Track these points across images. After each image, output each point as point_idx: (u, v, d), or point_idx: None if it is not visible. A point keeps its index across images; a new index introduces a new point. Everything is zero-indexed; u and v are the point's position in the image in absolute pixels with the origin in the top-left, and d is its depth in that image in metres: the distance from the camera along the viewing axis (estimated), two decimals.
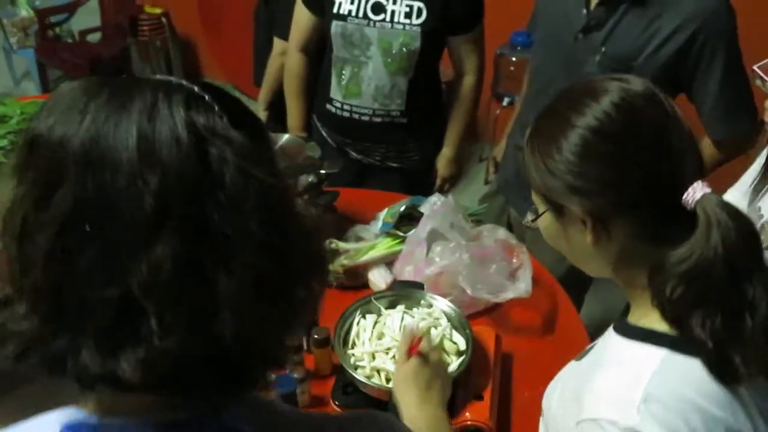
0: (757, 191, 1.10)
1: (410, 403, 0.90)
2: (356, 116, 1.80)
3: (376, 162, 1.91)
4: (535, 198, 0.81)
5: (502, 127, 3.46)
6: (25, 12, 4.26)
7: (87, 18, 4.20)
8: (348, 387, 1.15)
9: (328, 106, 1.85)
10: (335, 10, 1.69)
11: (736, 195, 1.17)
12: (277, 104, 2.37)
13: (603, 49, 1.41)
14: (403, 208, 1.51)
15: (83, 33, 3.98)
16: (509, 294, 1.31)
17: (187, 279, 0.43)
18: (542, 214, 0.80)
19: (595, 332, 1.01)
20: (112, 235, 0.42)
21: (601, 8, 1.40)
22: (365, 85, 1.75)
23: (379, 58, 1.70)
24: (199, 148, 0.44)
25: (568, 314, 1.43)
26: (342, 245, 1.47)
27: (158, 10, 4.06)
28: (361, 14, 1.67)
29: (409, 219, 1.50)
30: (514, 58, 3.06)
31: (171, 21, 4.13)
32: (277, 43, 2.23)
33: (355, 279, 1.46)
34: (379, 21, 1.67)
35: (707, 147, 1.44)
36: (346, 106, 1.80)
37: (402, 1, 1.66)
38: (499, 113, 3.25)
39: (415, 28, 1.67)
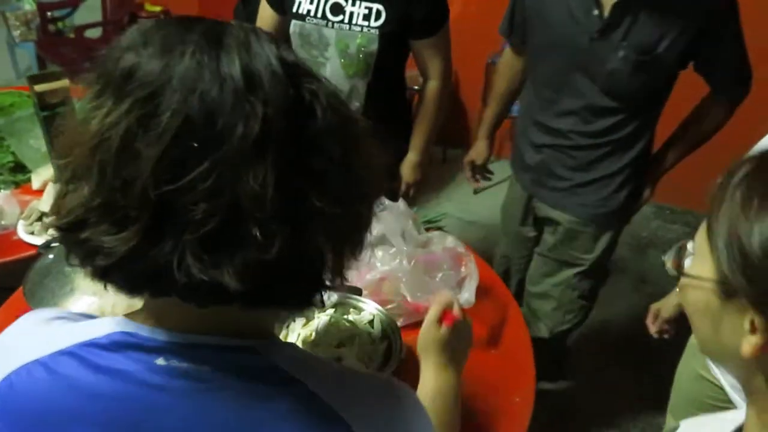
0: None
1: (436, 368, 0.91)
2: None
3: None
4: (701, 245, 0.57)
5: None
6: (28, 6, 4.30)
7: (89, 14, 4.23)
8: None
9: None
10: (294, 9, 1.68)
11: None
12: None
13: (624, 43, 1.43)
14: None
15: (82, 28, 4.00)
16: None
17: (287, 194, 0.48)
18: (701, 278, 0.55)
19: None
20: (221, 152, 0.46)
21: (617, 10, 1.41)
22: None
23: (337, 59, 1.68)
24: (293, 81, 0.50)
25: (516, 328, 1.38)
26: None
27: (158, 8, 4.08)
28: (319, 14, 1.65)
29: None
30: None
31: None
32: None
33: None
34: (338, 22, 1.64)
35: (714, 110, 1.58)
36: None
37: (361, 3, 1.63)
38: None
39: (373, 30, 1.63)
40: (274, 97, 0.48)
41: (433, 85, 1.81)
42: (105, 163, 0.47)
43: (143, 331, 0.54)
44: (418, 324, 1.30)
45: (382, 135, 2.00)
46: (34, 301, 1.17)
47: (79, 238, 0.49)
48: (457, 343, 0.94)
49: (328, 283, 0.54)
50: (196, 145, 0.46)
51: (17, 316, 0.61)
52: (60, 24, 4.22)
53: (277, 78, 0.49)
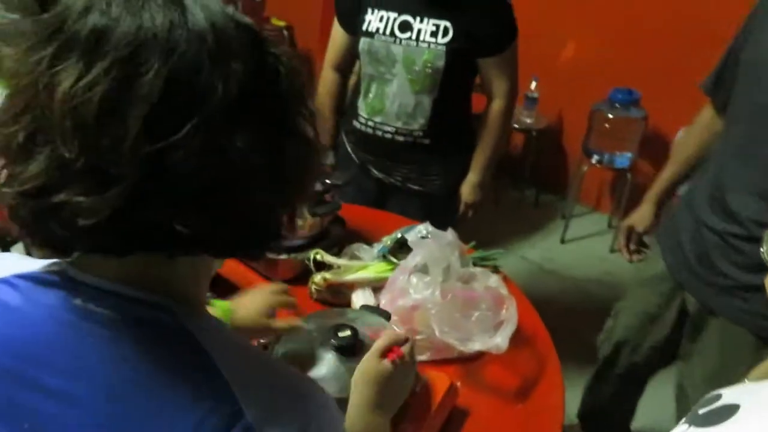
0: None
1: (365, 402, 0.85)
2: (379, 133, 1.80)
3: (397, 182, 1.88)
4: None
5: (590, 185, 3.28)
6: None
7: None
8: None
9: (355, 121, 1.86)
10: (364, 28, 1.72)
11: None
12: None
13: None
14: (400, 235, 1.43)
15: None
16: (477, 345, 1.19)
17: (265, 148, 0.51)
18: None
19: None
20: (205, 111, 0.48)
21: None
22: (389, 102, 1.75)
23: (404, 75, 1.70)
24: (256, 44, 0.52)
25: (551, 387, 1.28)
26: (329, 258, 1.42)
27: (282, 23, 4.29)
28: (388, 32, 1.69)
29: (407, 246, 1.42)
30: (610, 116, 2.88)
31: (293, 35, 4.35)
32: None
33: (338, 297, 1.41)
34: (405, 39, 1.67)
35: None
36: (370, 123, 1.81)
37: (429, 20, 1.65)
38: (587, 170, 3.07)
39: (440, 47, 1.65)
40: (244, 58, 0.50)
41: (497, 105, 1.80)
42: (84, 126, 0.47)
43: (73, 272, 0.56)
44: (444, 362, 1.26)
45: (448, 152, 1.99)
46: None
47: (51, 203, 0.49)
48: (397, 383, 0.88)
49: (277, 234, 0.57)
50: (181, 104, 0.47)
51: None
52: None
53: (243, 39, 0.51)
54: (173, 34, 0.48)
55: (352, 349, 1.05)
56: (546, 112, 3.28)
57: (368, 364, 0.87)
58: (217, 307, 1.02)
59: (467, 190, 1.88)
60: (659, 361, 1.72)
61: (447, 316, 1.21)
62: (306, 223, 1.47)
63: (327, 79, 1.93)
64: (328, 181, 1.45)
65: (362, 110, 1.82)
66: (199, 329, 0.56)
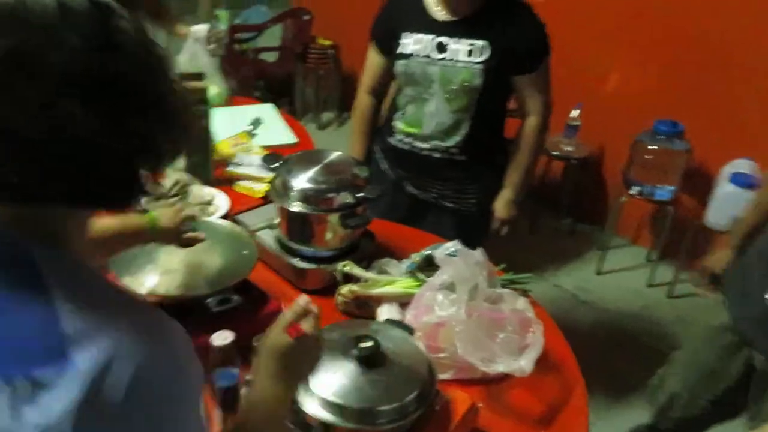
0: None
1: (267, 374, 0.84)
2: (416, 150, 1.83)
3: (432, 199, 1.89)
4: None
5: (629, 217, 3.21)
6: (223, 26, 4.82)
7: (269, 40, 4.65)
8: (292, 406, 1.08)
9: (390, 139, 1.88)
10: (400, 50, 1.76)
11: None
12: None
13: None
14: (429, 252, 1.43)
15: (259, 50, 4.39)
16: (501, 367, 1.17)
17: (102, 115, 0.55)
18: None
19: None
20: (39, 78, 0.52)
21: None
22: (427, 120, 1.78)
23: (441, 95, 1.73)
24: (103, 16, 0.55)
25: (577, 414, 1.24)
26: (358, 271, 1.42)
27: (328, 42, 4.38)
28: (424, 54, 1.72)
29: (436, 264, 1.41)
30: (653, 147, 2.83)
31: (338, 54, 4.43)
32: None
33: (364, 310, 1.41)
34: (441, 59, 1.70)
35: None
36: (406, 140, 1.84)
37: (465, 41, 1.68)
38: (626, 201, 3.01)
39: (476, 65, 1.68)
40: (89, 33, 0.53)
41: (532, 122, 1.81)
42: None
43: None
44: (467, 382, 1.24)
45: (483, 169, 1.99)
46: (115, 267, 1.27)
47: None
48: (299, 358, 0.86)
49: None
50: (25, 74, 0.51)
51: None
52: (244, 45, 4.67)
53: (86, 12, 0.54)
54: (18, 7, 0.51)
55: (373, 360, 1.05)
56: (587, 141, 3.24)
57: (271, 336, 0.86)
58: (148, 216, 1.24)
59: (501, 205, 1.88)
60: (718, 416, 1.66)
61: (471, 336, 1.20)
62: (336, 234, 1.48)
63: (362, 103, 1.98)
64: (360, 194, 1.46)
65: (399, 128, 1.85)
66: (48, 261, 0.59)
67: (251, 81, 4.33)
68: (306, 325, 0.87)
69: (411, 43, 1.74)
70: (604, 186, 3.43)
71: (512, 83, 1.77)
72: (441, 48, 1.70)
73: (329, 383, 1.03)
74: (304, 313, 0.88)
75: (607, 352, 2.63)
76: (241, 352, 1.15)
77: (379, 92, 1.95)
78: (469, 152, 1.79)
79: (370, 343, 1.05)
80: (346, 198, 1.45)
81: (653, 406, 1.71)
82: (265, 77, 4.50)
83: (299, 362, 0.87)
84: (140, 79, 0.57)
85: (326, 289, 1.46)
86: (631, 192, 2.93)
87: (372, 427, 1.00)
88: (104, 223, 1.13)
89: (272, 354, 0.85)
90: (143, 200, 1.69)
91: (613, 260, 3.23)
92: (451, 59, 1.69)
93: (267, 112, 2.50)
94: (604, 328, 2.82)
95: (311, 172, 1.45)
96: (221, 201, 1.79)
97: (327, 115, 4.69)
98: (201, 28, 2.69)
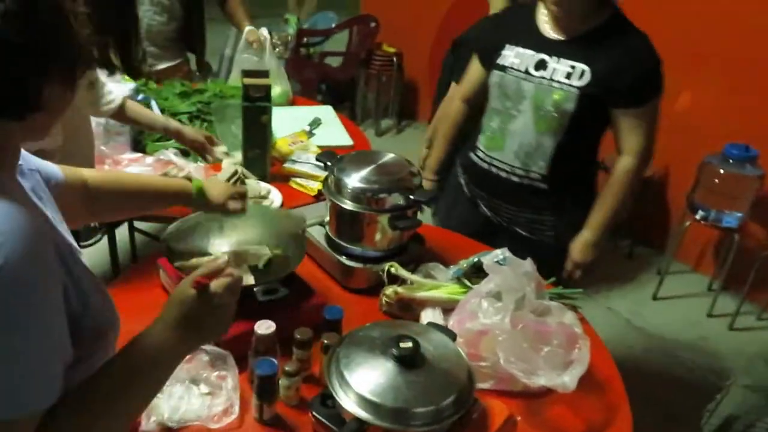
0: None
1: (163, 318, 0.81)
2: (494, 170, 1.75)
3: (504, 223, 1.81)
4: None
5: (691, 242, 3.08)
6: (291, 30, 4.93)
7: (335, 45, 4.72)
8: (328, 400, 1.09)
9: (472, 154, 1.82)
10: (499, 61, 1.70)
11: None
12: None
13: None
14: (477, 259, 1.41)
15: (324, 54, 4.46)
16: (543, 380, 1.14)
17: None
18: None
19: None
20: None
21: None
22: (510, 139, 1.70)
23: (530, 113, 1.65)
24: None
25: None
26: (403, 272, 1.42)
27: (393, 50, 4.41)
28: (522, 68, 1.65)
29: (483, 271, 1.39)
30: (722, 171, 2.71)
31: (402, 62, 4.46)
32: (453, 88, 2.28)
33: (407, 312, 1.40)
34: (538, 77, 1.62)
35: None
36: (487, 158, 1.76)
37: (566, 61, 1.60)
38: (690, 226, 2.89)
39: (573, 89, 1.58)
40: None
41: (625, 162, 1.66)
42: None
43: None
44: (507, 394, 1.21)
45: (565, 201, 1.84)
46: (170, 253, 1.31)
47: None
48: (199, 313, 0.81)
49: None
50: None
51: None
52: (311, 49, 4.76)
53: None
54: None
55: (412, 361, 1.04)
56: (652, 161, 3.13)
57: (179, 287, 0.83)
58: (194, 182, 1.28)
59: (578, 247, 1.72)
60: None
61: (515, 346, 1.17)
62: (385, 235, 1.48)
63: (454, 108, 1.94)
64: (412, 196, 1.45)
65: (481, 144, 1.79)
66: None
67: (314, 84, 4.41)
68: (215, 283, 0.82)
69: (512, 55, 1.67)
70: (667, 208, 3.31)
71: (611, 116, 1.63)
72: (540, 65, 1.63)
73: (367, 380, 1.02)
74: (218, 271, 0.84)
75: (657, 382, 2.53)
76: (282, 343, 1.16)
77: (473, 102, 1.88)
78: (551, 180, 1.69)
79: (409, 344, 1.04)
80: (397, 199, 1.45)
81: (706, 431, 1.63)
82: (328, 81, 4.57)
83: (198, 317, 0.82)
84: None
85: (371, 289, 1.46)
86: (696, 216, 2.82)
87: (406, 428, 0.99)
88: (148, 179, 1.15)
89: (173, 302, 0.81)
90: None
91: (672, 286, 3.10)
92: (548, 78, 1.61)
93: (326, 113, 2.53)
94: (656, 356, 2.71)
95: (365, 172, 1.45)
96: (275, 196, 1.82)
97: (386, 122, 4.71)
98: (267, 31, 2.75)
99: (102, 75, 1.64)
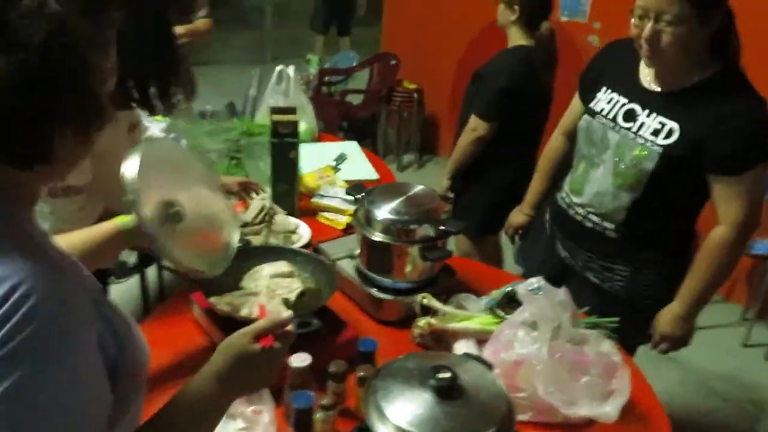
0: None
1: (213, 370, 0.79)
2: (571, 212, 1.70)
3: (578, 267, 1.73)
4: None
5: (758, 283, 3.01)
6: (313, 69, 5.04)
7: (356, 83, 4.81)
8: None
9: (558, 194, 1.79)
10: (590, 104, 1.65)
11: None
12: (460, 176, 2.42)
13: None
14: (509, 289, 1.40)
15: (346, 92, 4.54)
16: (584, 410, 1.12)
17: None
18: None
19: None
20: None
21: None
22: (589, 186, 1.64)
23: (610, 164, 1.57)
24: None
25: None
26: (436, 304, 1.41)
27: (413, 86, 4.47)
28: (611, 116, 1.58)
29: (516, 301, 1.38)
30: None
31: (422, 97, 4.51)
32: (471, 120, 2.30)
33: (440, 344, 1.39)
34: (625, 128, 1.54)
35: None
36: (567, 199, 1.72)
37: (656, 116, 1.50)
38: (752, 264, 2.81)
39: (656, 147, 1.48)
40: None
41: (720, 232, 1.52)
42: None
43: None
44: (547, 426, 1.19)
45: (638, 255, 1.69)
46: (204, 288, 1.32)
47: None
48: (255, 368, 0.81)
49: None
50: None
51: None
52: (332, 88, 4.85)
53: None
54: None
55: (450, 392, 1.02)
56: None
57: (237, 339, 0.81)
58: (121, 219, 1.06)
59: (665, 318, 1.62)
60: None
61: (553, 376, 1.15)
62: (416, 267, 1.48)
63: (553, 142, 1.92)
64: (441, 227, 1.46)
65: (566, 185, 1.76)
66: None
67: (336, 122, 4.47)
68: (279, 342, 0.82)
69: (604, 100, 1.60)
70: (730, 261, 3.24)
71: (708, 181, 1.49)
72: (629, 116, 1.54)
73: (405, 412, 1.01)
74: (282, 327, 0.84)
75: (694, 413, 2.46)
76: (317, 376, 1.16)
77: (573, 136, 1.79)
78: (624, 233, 1.61)
79: (447, 374, 1.03)
80: (427, 230, 1.45)
81: None
82: (350, 118, 4.63)
83: (253, 374, 0.81)
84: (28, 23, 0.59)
85: (402, 321, 1.46)
86: (752, 252, 2.76)
87: None
88: (78, 237, 1.02)
89: (229, 353, 0.80)
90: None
91: (705, 316, 2.97)
92: (634, 132, 1.52)
93: (351, 148, 2.57)
94: (692, 387, 2.64)
95: (394, 204, 1.47)
96: (304, 230, 1.84)
97: (408, 157, 4.75)
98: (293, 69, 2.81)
99: (144, 117, 1.66)
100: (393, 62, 4.42)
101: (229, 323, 1.27)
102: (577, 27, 3.57)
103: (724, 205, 1.50)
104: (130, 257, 2.83)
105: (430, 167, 4.69)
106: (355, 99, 4.65)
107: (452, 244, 2.47)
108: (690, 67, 1.47)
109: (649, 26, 1.40)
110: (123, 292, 2.69)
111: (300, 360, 1.13)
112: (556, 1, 3.42)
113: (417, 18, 4.54)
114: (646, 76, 1.56)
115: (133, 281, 2.58)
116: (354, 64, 4.72)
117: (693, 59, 1.45)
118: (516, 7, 2.24)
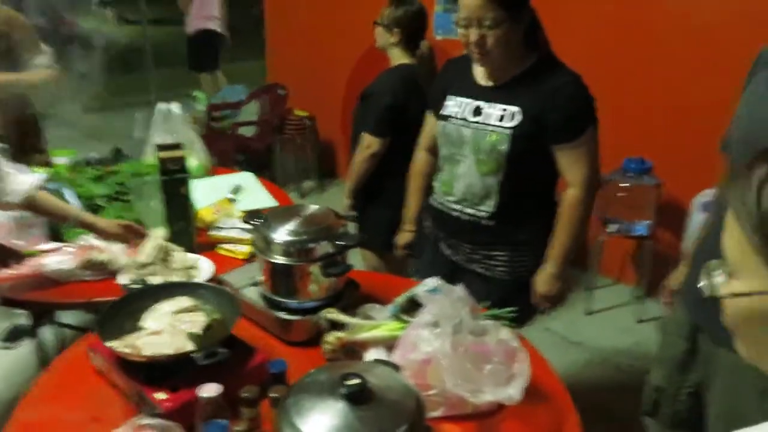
0: None
1: None
2: (446, 210, 1.85)
3: (462, 262, 1.88)
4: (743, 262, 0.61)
5: (610, 256, 3.26)
6: (201, 106, 4.97)
7: (246, 116, 4.79)
8: None
9: (431, 198, 1.93)
10: (442, 112, 1.83)
11: None
12: (360, 194, 2.48)
13: None
14: (410, 294, 1.45)
15: (237, 125, 4.51)
16: (489, 396, 1.18)
17: None
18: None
19: None
20: None
21: None
22: (457, 183, 1.80)
23: (472, 157, 1.75)
24: None
25: None
26: (342, 317, 1.44)
27: (304, 113, 4.52)
28: (461, 116, 1.76)
29: (419, 305, 1.44)
30: (624, 184, 2.92)
31: (315, 124, 4.57)
32: (365, 137, 2.37)
33: (351, 356, 1.41)
34: (475, 122, 1.73)
35: None
36: (440, 199, 1.87)
37: (498, 105, 1.71)
38: (605, 240, 3.07)
39: (506, 130, 1.68)
40: None
41: (572, 193, 1.74)
42: None
43: None
44: (459, 418, 1.24)
45: (515, 236, 1.85)
46: (100, 331, 1.27)
47: None
48: None
49: None
50: None
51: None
52: (223, 122, 4.80)
53: None
54: None
55: (360, 397, 1.05)
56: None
57: None
58: None
59: (540, 280, 1.81)
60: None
61: (459, 369, 1.21)
62: (320, 284, 1.50)
63: (417, 159, 2.06)
64: (340, 242, 1.49)
65: (437, 188, 1.90)
66: None
67: (231, 155, 4.43)
68: None
69: (453, 105, 1.80)
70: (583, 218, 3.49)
71: (553, 153, 1.71)
72: (477, 112, 1.74)
73: (318, 424, 1.02)
74: None
75: (601, 390, 2.62)
76: (232, 405, 1.15)
77: (434, 150, 1.95)
78: (498, 218, 1.77)
79: (356, 380, 1.06)
80: (326, 247, 1.48)
81: (645, 407, 1.69)
82: (245, 151, 4.61)
83: None
84: None
85: (313, 340, 1.47)
86: (609, 230, 3.00)
87: None
88: None
89: None
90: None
91: (601, 300, 3.25)
92: (483, 123, 1.71)
93: (247, 179, 2.56)
94: (597, 367, 2.81)
95: (291, 225, 1.49)
96: (204, 265, 1.81)
97: (308, 183, 4.78)
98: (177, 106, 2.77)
99: (8, 166, 1.60)
100: (281, 92, 4.46)
101: (135, 366, 1.24)
102: (451, 44, 3.74)
103: (569, 169, 1.72)
104: (20, 319, 2.65)
105: (332, 190, 4.74)
106: (249, 131, 4.63)
107: (360, 260, 2.53)
108: (515, 61, 1.71)
109: (474, 32, 1.64)
110: (17, 359, 2.51)
111: (207, 390, 1.12)
112: (430, 21, 3.59)
113: (299, 47, 4.61)
114: (481, 75, 1.78)
115: (27, 346, 2.42)
116: (242, 98, 4.71)
117: (515, 54, 1.70)
118: (396, 30, 2.36)
